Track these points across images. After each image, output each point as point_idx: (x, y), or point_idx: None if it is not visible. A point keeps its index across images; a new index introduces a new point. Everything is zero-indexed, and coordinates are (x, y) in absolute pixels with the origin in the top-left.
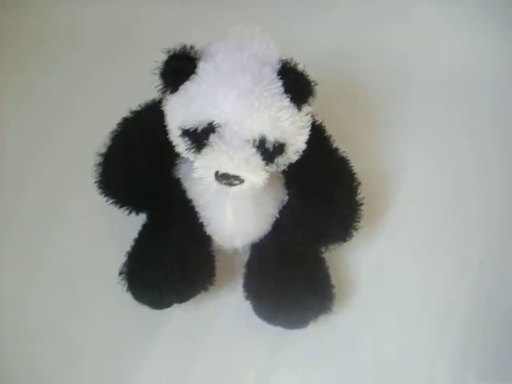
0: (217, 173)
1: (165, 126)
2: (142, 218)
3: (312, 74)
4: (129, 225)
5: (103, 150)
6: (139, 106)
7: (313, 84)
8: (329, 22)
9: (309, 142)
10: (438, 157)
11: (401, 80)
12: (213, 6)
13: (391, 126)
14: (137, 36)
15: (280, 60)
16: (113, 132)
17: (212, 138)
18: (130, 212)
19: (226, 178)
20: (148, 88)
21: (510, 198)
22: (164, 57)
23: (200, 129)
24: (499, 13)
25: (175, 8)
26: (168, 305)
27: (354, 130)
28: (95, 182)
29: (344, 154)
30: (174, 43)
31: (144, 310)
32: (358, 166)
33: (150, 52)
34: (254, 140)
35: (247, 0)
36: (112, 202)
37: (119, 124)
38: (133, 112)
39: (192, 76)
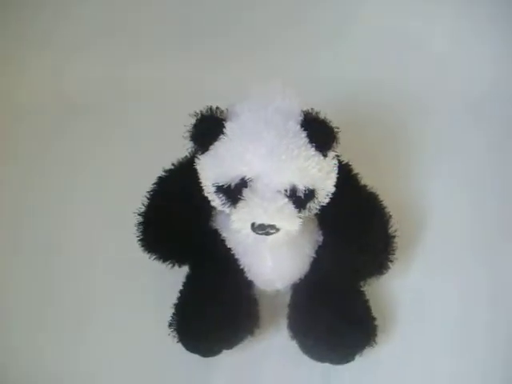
0: (253, 224)
1: (199, 182)
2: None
3: (333, 112)
4: (173, 276)
5: (143, 209)
6: (172, 164)
7: (335, 131)
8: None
9: (337, 183)
10: (462, 184)
11: (422, 111)
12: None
13: (414, 158)
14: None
15: (302, 112)
16: (150, 191)
17: (245, 192)
18: (174, 265)
19: (262, 229)
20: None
21: None
22: (192, 120)
23: (233, 185)
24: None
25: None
26: (217, 352)
27: (379, 165)
28: (138, 241)
29: (372, 190)
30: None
31: (195, 358)
32: (387, 200)
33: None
34: (285, 190)
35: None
36: (155, 258)
37: (155, 183)
38: (167, 171)
39: (220, 136)
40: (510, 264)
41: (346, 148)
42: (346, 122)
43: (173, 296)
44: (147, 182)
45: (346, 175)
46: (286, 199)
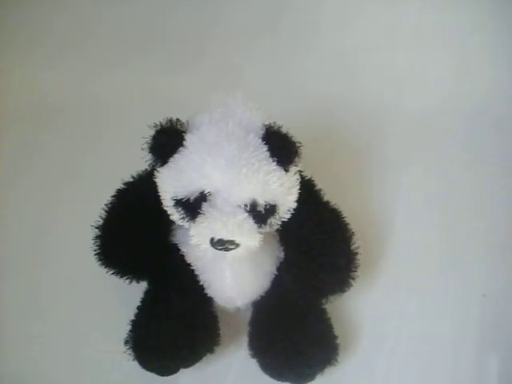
0: (212, 239)
1: (158, 195)
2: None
3: (295, 127)
4: (132, 292)
5: (100, 222)
6: (132, 177)
7: (297, 145)
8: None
9: (299, 198)
10: (424, 199)
11: (380, 125)
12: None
13: (377, 175)
14: (122, 106)
15: (264, 125)
16: (108, 204)
17: (204, 206)
18: (131, 281)
19: (221, 244)
20: (139, 158)
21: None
22: (152, 131)
23: (192, 198)
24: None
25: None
26: (175, 370)
27: (341, 181)
28: (95, 255)
29: (335, 206)
30: (162, 113)
31: (152, 377)
32: (350, 217)
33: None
34: (246, 205)
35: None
36: (113, 273)
37: (114, 196)
38: (126, 183)
39: (180, 148)
40: (472, 281)
41: (309, 163)
42: (308, 137)
43: (131, 312)
44: (109, 192)
45: (308, 190)
46: (246, 214)
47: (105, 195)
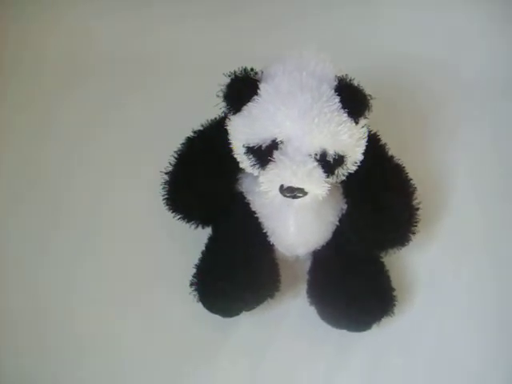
0: (281, 186)
1: (227, 144)
2: (208, 230)
3: (365, 82)
4: (196, 237)
5: (170, 168)
6: (201, 125)
7: (368, 98)
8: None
9: (365, 152)
10: (488, 161)
11: (444, 88)
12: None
13: (441, 133)
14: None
15: (336, 77)
16: (178, 151)
17: (275, 154)
18: (197, 226)
19: (290, 191)
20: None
21: None
22: (226, 80)
23: (264, 146)
24: None
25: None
26: (237, 313)
27: (406, 138)
28: (163, 200)
29: (399, 161)
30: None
31: (215, 318)
32: (413, 173)
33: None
34: (316, 154)
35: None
36: (180, 218)
37: (183, 144)
38: (195, 132)
39: (254, 97)
40: None
41: (375, 119)
42: (376, 93)
43: (194, 257)
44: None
45: (373, 145)
46: (316, 163)
47: (174, 144)
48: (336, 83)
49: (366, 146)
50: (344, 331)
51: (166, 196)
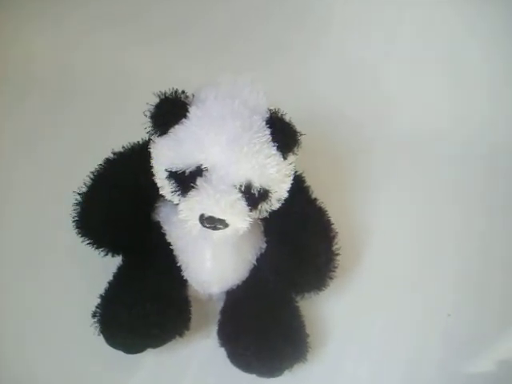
0: (202, 216)
1: (147, 170)
2: (116, 260)
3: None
4: (102, 266)
5: (83, 189)
6: (122, 147)
7: (299, 134)
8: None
9: (289, 191)
10: (409, 209)
11: (371, 133)
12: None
13: (363, 179)
14: (126, 81)
15: (269, 109)
16: (94, 172)
17: (199, 181)
18: (107, 254)
19: (211, 222)
20: (132, 131)
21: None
22: (155, 100)
23: (187, 172)
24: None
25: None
26: (141, 349)
27: (329, 182)
28: (72, 222)
29: (322, 205)
30: (163, 87)
31: (116, 355)
32: (334, 217)
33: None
34: (241, 185)
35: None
36: (88, 243)
37: (101, 165)
38: (115, 153)
39: (182, 120)
40: (446, 286)
41: (299, 160)
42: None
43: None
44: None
45: (298, 185)
46: (240, 194)
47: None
48: (268, 115)
49: (291, 185)
50: (254, 376)
51: (76, 218)
